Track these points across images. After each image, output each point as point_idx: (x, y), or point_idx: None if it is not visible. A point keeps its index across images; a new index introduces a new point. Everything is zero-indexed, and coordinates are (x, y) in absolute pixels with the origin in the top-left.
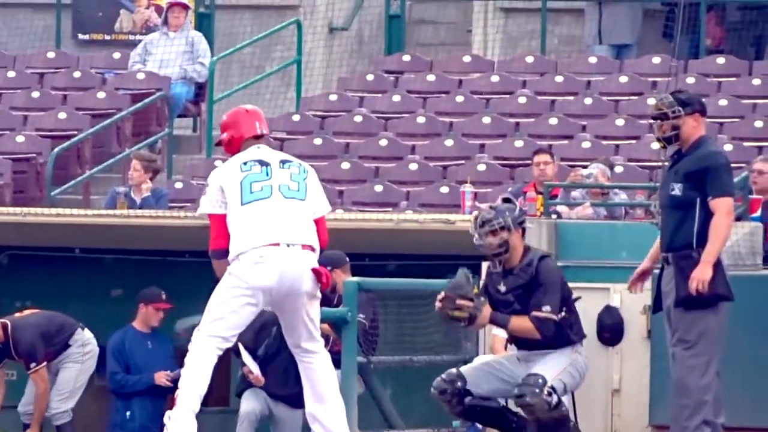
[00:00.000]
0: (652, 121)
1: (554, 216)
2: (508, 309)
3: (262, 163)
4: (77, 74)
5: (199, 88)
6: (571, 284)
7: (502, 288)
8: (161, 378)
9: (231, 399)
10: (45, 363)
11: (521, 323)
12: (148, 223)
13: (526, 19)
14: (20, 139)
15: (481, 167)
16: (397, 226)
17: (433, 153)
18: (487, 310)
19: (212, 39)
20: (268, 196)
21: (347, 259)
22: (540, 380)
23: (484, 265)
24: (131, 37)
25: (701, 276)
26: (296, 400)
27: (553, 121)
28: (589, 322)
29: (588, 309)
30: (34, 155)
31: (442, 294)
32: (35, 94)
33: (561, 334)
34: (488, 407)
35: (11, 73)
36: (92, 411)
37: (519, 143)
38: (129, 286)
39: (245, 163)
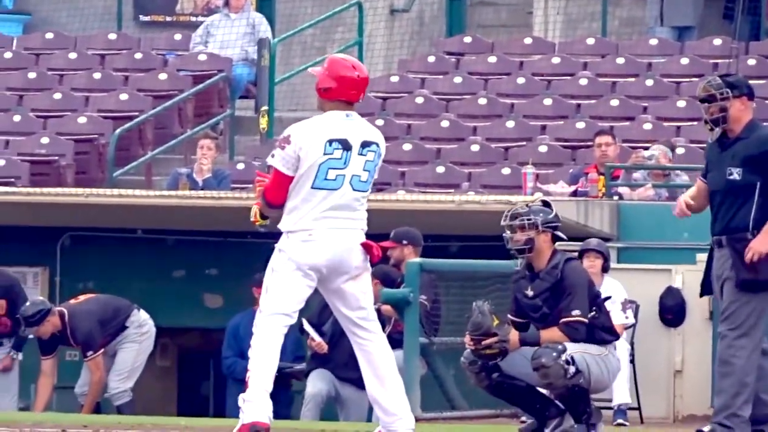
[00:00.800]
0: (699, 103)
1: (616, 197)
2: (537, 313)
3: (345, 146)
4: (139, 55)
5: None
6: (632, 265)
7: (530, 292)
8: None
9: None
10: (101, 351)
11: (551, 335)
12: (209, 204)
13: (587, 1)
14: (82, 120)
15: (543, 149)
16: (458, 207)
17: (494, 134)
18: (514, 336)
19: (273, 20)
20: (338, 188)
21: (422, 241)
22: (560, 347)
23: None
24: (192, 19)
25: (759, 248)
26: (363, 382)
27: (615, 102)
28: (651, 304)
29: (650, 290)
30: (96, 136)
31: (468, 338)
32: (97, 76)
33: (592, 334)
34: (515, 385)
35: (73, 55)
36: (155, 391)
37: (580, 125)
38: (191, 267)
39: (330, 143)
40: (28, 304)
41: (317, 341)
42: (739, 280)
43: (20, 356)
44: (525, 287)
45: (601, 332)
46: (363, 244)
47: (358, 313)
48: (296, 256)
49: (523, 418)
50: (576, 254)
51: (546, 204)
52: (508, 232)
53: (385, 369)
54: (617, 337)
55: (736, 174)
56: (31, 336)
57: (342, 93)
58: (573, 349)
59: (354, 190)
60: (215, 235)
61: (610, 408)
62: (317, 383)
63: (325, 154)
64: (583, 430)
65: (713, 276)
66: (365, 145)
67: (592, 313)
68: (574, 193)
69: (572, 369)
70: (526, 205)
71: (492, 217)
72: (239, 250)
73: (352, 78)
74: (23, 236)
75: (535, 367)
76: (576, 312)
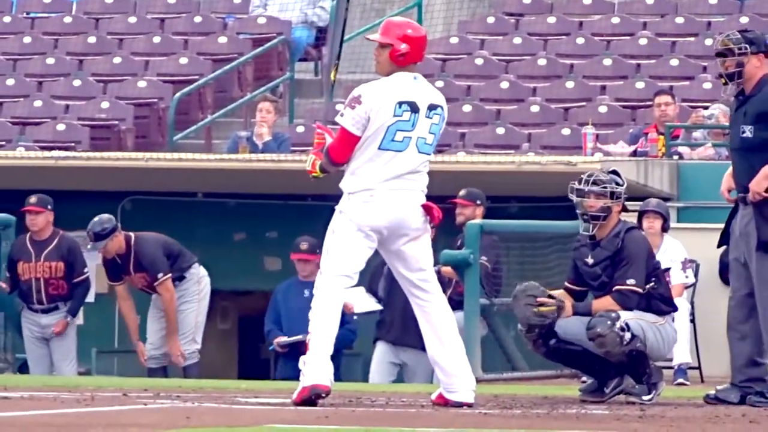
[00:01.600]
0: (716, 57)
1: (676, 157)
2: (596, 281)
3: (414, 108)
4: (198, 19)
5: (320, 32)
6: (692, 225)
7: (590, 260)
8: (279, 344)
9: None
10: (170, 275)
11: (603, 305)
12: (270, 167)
13: None
14: (142, 84)
15: (602, 109)
16: (518, 168)
17: (554, 95)
18: (569, 302)
19: None
20: (404, 149)
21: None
22: (614, 314)
23: None
24: None
25: (754, 187)
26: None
27: (674, 62)
28: (711, 263)
29: (709, 250)
30: (156, 100)
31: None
32: (156, 39)
33: (649, 305)
34: (571, 350)
35: (132, 19)
36: (216, 355)
37: (640, 84)
38: (251, 230)
39: (400, 105)
40: (95, 219)
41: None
42: (761, 240)
43: (77, 320)
44: (585, 255)
45: (659, 303)
46: (423, 206)
47: (418, 275)
48: (357, 218)
49: (584, 378)
50: (636, 215)
51: (617, 173)
52: (578, 196)
53: (445, 330)
54: (675, 308)
55: (748, 131)
56: (90, 300)
57: (414, 56)
58: (627, 316)
59: (419, 152)
60: (275, 198)
61: (670, 368)
62: (383, 351)
63: (394, 116)
64: (644, 390)
65: (738, 232)
66: (432, 108)
67: (651, 284)
68: (634, 153)
69: (628, 335)
70: (604, 172)
71: (552, 177)
72: (299, 213)
73: (422, 38)
74: (84, 200)
75: (591, 337)
76: (631, 281)
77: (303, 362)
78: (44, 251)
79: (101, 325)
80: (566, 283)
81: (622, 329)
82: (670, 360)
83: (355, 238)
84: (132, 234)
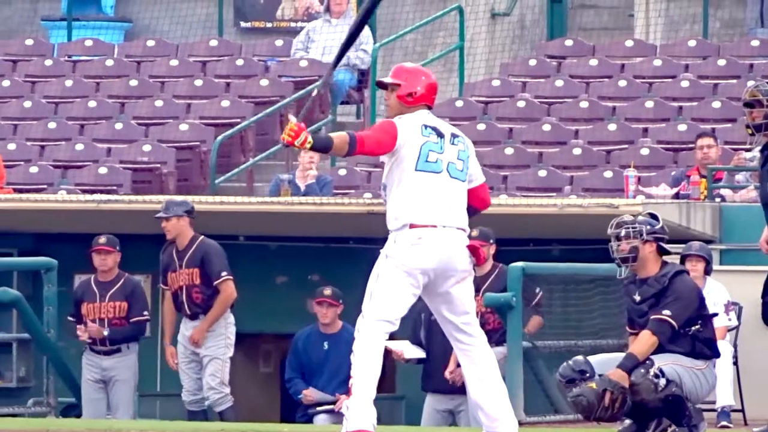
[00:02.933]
0: (743, 107)
1: (718, 199)
2: (642, 318)
3: (439, 133)
4: (240, 62)
5: (362, 75)
6: (735, 267)
7: (637, 297)
8: (308, 397)
9: (396, 385)
10: (232, 278)
11: (640, 342)
12: (312, 210)
13: (688, 3)
14: (184, 127)
15: (645, 151)
16: (560, 211)
17: (596, 137)
18: (619, 376)
19: (374, 26)
20: (439, 171)
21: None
22: (648, 362)
23: None
24: (293, 25)
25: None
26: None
27: (716, 104)
28: (754, 305)
29: (753, 292)
30: (198, 143)
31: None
32: (198, 83)
33: (693, 348)
34: None
35: (174, 62)
36: (258, 398)
37: (682, 127)
38: (293, 273)
39: (425, 127)
40: (174, 197)
41: (396, 350)
42: None
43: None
44: (633, 292)
45: (702, 347)
46: (468, 246)
47: (462, 318)
48: (405, 260)
49: (626, 421)
50: (678, 258)
51: (653, 216)
52: (614, 241)
53: (487, 373)
54: (718, 354)
55: None
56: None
57: (423, 98)
58: (663, 361)
59: (452, 177)
60: (317, 240)
61: (713, 410)
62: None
63: (423, 135)
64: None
65: None
66: (455, 136)
67: (696, 327)
68: (676, 196)
69: (662, 381)
70: (633, 216)
71: (594, 220)
72: (341, 256)
73: (431, 81)
74: (126, 244)
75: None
76: (666, 312)
77: (346, 407)
78: (109, 291)
79: (144, 369)
80: (627, 329)
81: (656, 376)
82: (713, 402)
83: (401, 284)
84: (201, 235)
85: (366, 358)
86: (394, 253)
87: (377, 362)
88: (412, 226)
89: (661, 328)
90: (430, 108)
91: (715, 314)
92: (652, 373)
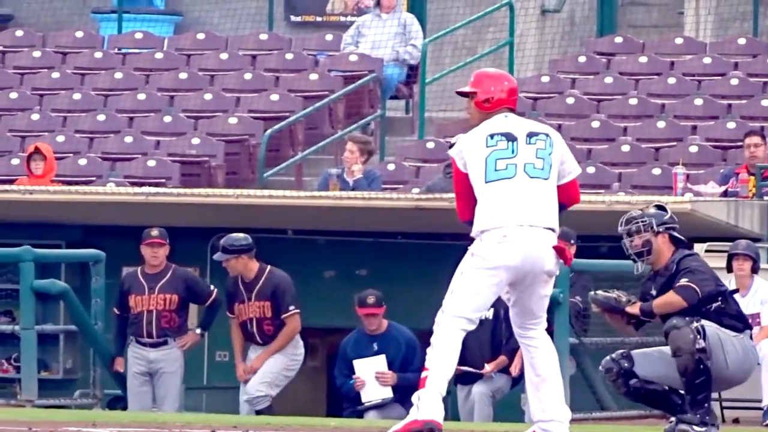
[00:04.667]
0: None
1: (767, 198)
2: None
3: (509, 137)
4: (290, 56)
5: (412, 70)
6: None
7: (653, 292)
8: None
9: None
10: (300, 311)
11: (663, 299)
12: (360, 204)
13: (738, 1)
14: (233, 120)
15: (693, 149)
16: (609, 207)
17: (645, 135)
18: (634, 307)
19: (424, 21)
20: (512, 176)
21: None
22: (689, 318)
23: (696, 247)
24: (342, 19)
25: None
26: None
27: (766, 102)
28: None
29: None
30: (247, 137)
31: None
32: (248, 76)
33: (720, 321)
34: (653, 390)
35: (224, 55)
36: (304, 392)
37: (731, 125)
38: (341, 268)
39: (492, 137)
40: (231, 235)
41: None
42: None
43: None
44: (650, 288)
45: (730, 319)
46: (555, 248)
47: (533, 319)
48: (490, 258)
49: (672, 419)
50: (725, 256)
51: (661, 207)
52: (626, 238)
53: (547, 370)
54: (749, 326)
55: None
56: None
57: (502, 101)
58: (705, 323)
59: (531, 177)
60: (366, 235)
61: (759, 408)
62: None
63: (488, 146)
64: (696, 419)
65: None
66: (532, 134)
67: (717, 303)
68: (725, 194)
69: (701, 341)
70: (640, 210)
71: None
72: (389, 251)
73: (512, 82)
74: (174, 237)
75: (667, 330)
76: (684, 280)
77: (417, 397)
78: (159, 283)
79: (190, 362)
80: None
81: (698, 331)
82: (759, 400)
83: (483, 282)
84: (268, 265)
85: (441, 353)
86: (479, 251)
87: (451, 358)
88: (497, 227)
89: (686, 292)
90: (513, 110)
91: (736, 290)
92: (695, 325)
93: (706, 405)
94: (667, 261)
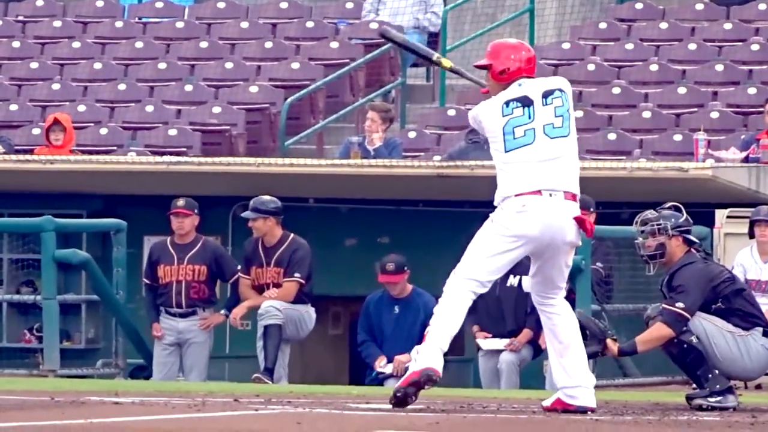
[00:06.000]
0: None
1: None
2: None
3: (525, 102)
4: (310, 24)
5: (432, 37)
6: None
7: (664, 289)
8: (377, 365)
9: (466, 348)
10: (305, 284)
11: (647, 334)
12: (381, 172)
13: None
14: (254, 89)
15: (714, 115)
16: (630, 174)
17: (665, 101)
18: (613, 348)
19: None
20: (531, 142)
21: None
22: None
23: (717, 214)
24: None
25: None
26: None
27: None
28: None
29: None
30: (268, 105)
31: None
32: (268, 45)
33: (725, 320)
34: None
35: (244, 24)
36: (327, 360)
37: (752, 90)
38: (363, 236)
39: (507, 104)
40: (261, 196)
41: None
42: None
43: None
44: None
45: (735, 318)
46: (576, 218)
47: (553, 289)
48: (509, 226)
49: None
50: (747, 222)
51: (677, 209)
52: (640, 238)
53: (569, 336)
54: (755, 324)
55: None
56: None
57: (519, 71)
58: (698, 314)
59: (551, 138)
60: (387, 203)
61: None
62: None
63: (504, 115)
64: (705, 392)
65: None
66: (547, 94)
67: (717, 305)
68: (746, 159)
69: (686, 333)
70: (655, 210)
71: (664, 184)
72: (411, 219)
73: (519, 51)
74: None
75: (645, 321)
76: (680, 305)
77: (416, 351)
78: (188, 254)
79: (214, 331)
80: None
81: (683, 316)
82: None
83: (498, 248)
84: (291, 233)
85: (446, 312)
86: (499, 218)
87: (457, 318)
88: (517, 195)
89: (674, 321)
90: (531, 76)
91: (743, 289)
92: (678, 306)
93: (709, 376)
94: (676, 263)
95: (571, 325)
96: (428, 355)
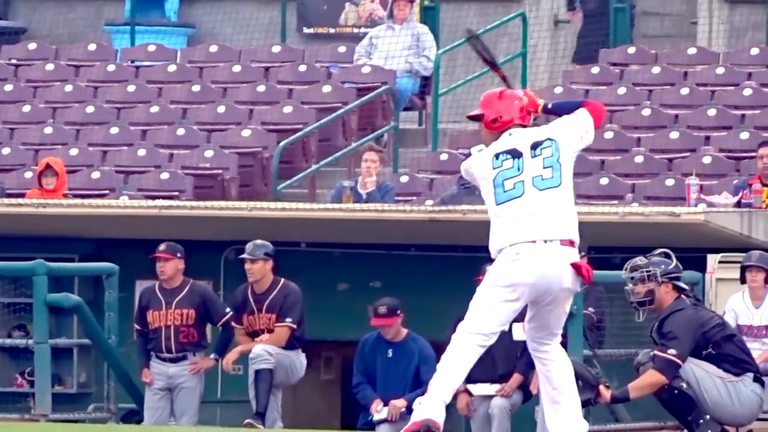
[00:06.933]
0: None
1: None
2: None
3: (514, 154)
4: (302, 68)
5: (425, 81)
6: None
7: (655, 335)
8: (373, 409)
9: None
10: (297, 330)
11: (640, 381)
12: (374, 217)
13: (751, 10)
14: (246, 133)
15: (707, 159)
16: (622, 218)
17: (658, 145)
18: (606, 394)
19: (437, 32)
20: (521, 195)
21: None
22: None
23: (710, 259)
24: (355, 31)
25: None
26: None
27: None
28: None
29: None
30: (260, 149)
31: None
32: (261, 88)
33: (716, 366)
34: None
35: (237, 67)
36: (319, 405)
37: (744, 135)
38: (355, 280)
39: (497, 157)
40: (255, 241)
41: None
42: None
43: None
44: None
45: (727, 365)
46: (573, 265)
47: (549, 336)
48: (504, 275)
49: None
50: (738, 267)
51: (667, 255)
52: (630, 284)
53: (563, 382)
54: (751, 369)
55: None
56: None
57: (514, 116)
58: (692, 362)
59: (540, 190)
60: (379, 248)
61: None
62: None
63: (494, 168)
64: None
65: None
66: (536, 145)
67: (708, 351)
68: (738, 204)
69: (678, 380)
70: (645, 257)
71: (656, 228)
72: (403, 263)
73: (520, 100)
74: (187, 249)
75: (636, 367)
76: (672, 351)
77: (419, 402)
78: (176, 299)
79: (206, 376)
80: None
81: (675, 364)
82: None
83: (497, 299)
84: (282, 278)
85: (449, 365)
86: (495, 269)
87: (460, 370)
88: (511, 245)
89: (666, 367)
90: (523, 125)
91: (733, 335)
92: (670, 353)
93: (700, 421)
94: (666, 310)
95: (565, 372)
96: (429, 405)
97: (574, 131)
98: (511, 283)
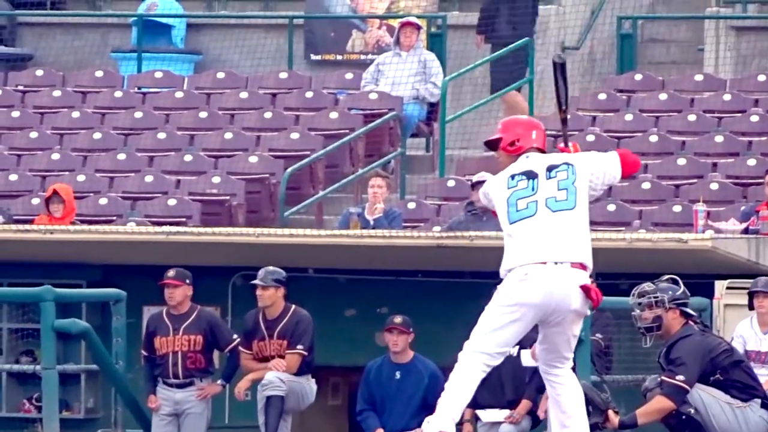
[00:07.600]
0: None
1: None
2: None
3: (530, 175)
4: (309, 94)
5: (432, 108)
6: None
7: (663, 361)
8: None
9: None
10: (308, 357)
11: (648, 407)
12: (381, 243)
13: (758, 37)
14: (253, 159)
15: (714, 186)
16: (629, 245)
17: (665, 172)
18: (614, 419)
19: (444, 59)
20: (533, 214)
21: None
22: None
23: (717, 285)
24: (362, 57)
25: None
26: None
27: None
28: None
29: None
30: (267, 175)
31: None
32: (268, 115)
33: (724, 391)
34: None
35: (244, 94)
36: (325, 430)
37: (752, 162)
38: (362, 306)
39: (512, 177)
40: (270, 267)
41: None
42: None
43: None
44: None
45: (733, 389)
46: (582, 287)
47: (562, 353)
48: (512, 295)
49: None
50: (746, 294)
51: (674, 281)
52: (637, 310)
53: (573, 407)
54: (754, 396)
55: None
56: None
57: (533, 141)
58: (702, 388)
59: (553, 211)
60: (386, 274)
61: None
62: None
63: (509, 188)
64: None
65: None
66: (552, 168)
67: (715, 377)
68: (746, 231)
69: (686, 405)
70: (653, 283)
71: (663, 255)
72: (410, 289)
73: (538, 126)
74: (195, 275)
75: (643, 393)
76: (680, 377)
77: (427, 421)
78: (183, 324)
79: (213, 401)
80: None
81: (683, 389)
82: None
83: (504, 318)
84: (292, 305)
85: (456, 384)
86: (503, 289)
87: (467, 389)
88: (521, 265)
89: (675, 393)
90: (542, 151)
91: (741, 361)
92: (679, 379)
93: None
94: (674, 335)
95: (575, 397)
96: (440, 420)
97: (596, 165)
98: (517, 302)
